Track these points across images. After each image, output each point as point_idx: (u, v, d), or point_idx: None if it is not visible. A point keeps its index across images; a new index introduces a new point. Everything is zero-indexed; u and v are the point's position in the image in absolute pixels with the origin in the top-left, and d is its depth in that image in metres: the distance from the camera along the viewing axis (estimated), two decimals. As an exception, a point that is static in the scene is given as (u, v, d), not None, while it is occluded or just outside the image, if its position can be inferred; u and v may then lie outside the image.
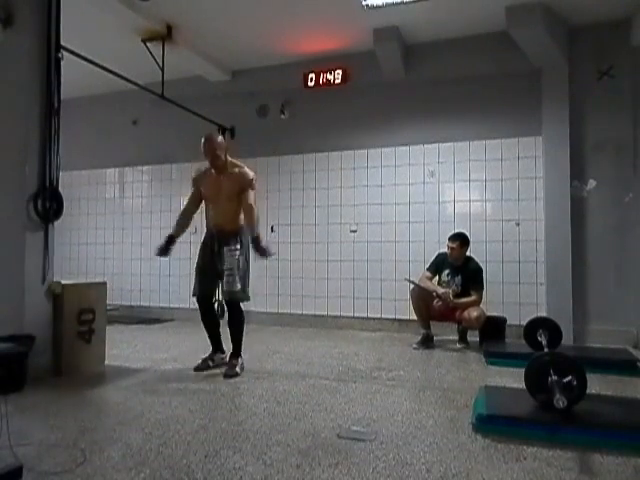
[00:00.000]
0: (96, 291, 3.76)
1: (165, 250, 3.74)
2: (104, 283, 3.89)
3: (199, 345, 4.51)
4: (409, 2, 4.42)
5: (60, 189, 3.54)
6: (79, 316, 3.54)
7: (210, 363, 3.65)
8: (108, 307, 4.01)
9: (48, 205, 3.44)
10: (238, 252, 3.53)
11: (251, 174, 3.61)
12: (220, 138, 3.71)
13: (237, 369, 3.52)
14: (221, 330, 3.79)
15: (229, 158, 3.67)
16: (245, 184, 3.56)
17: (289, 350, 4.36)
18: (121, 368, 3.66)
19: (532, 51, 4.75)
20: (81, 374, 3.43)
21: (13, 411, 2.54)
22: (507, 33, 4.69)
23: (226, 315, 3.70)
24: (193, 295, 3.69)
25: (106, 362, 3.74)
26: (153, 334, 5.18)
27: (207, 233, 3.72)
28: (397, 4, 4.45)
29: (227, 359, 3.65)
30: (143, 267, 6.52)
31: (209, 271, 3.60)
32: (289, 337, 5.03)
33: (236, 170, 3.62)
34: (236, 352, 3.63)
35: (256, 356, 3.97)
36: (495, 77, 5.09)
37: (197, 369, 3.58)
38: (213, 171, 3.66)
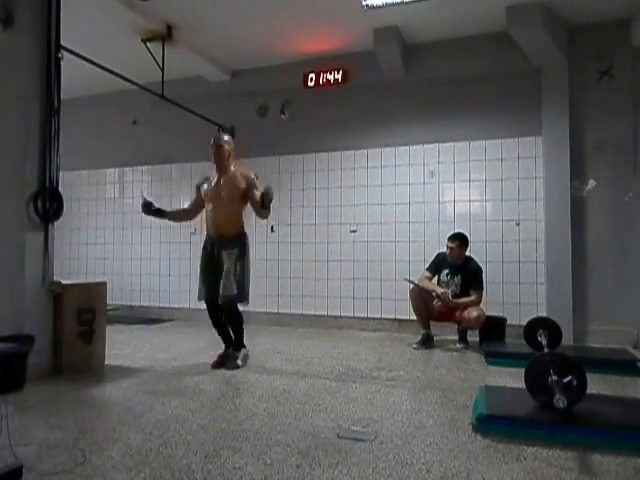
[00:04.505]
0: (96, 291, 3.76)
1: (149, 210, 3.70)
2: (104, 283, 3.89)
3: (199, 345, 4.52)
4: (409, 2, 4.42)
5: (60, 189, 3.55)
6: (79, 316, 3.54)
7: (227, 360, 3.66)
8: (108, 307, 4.01)
9: (48, 205, 3.44)
10: (235, 256, 3.55)
11: (253, 174, 3.67)
12: (228, 137, 3.76)
13: (239, 361, 3.60)
14: None
15: (233, 163, 3.71)
16: (250, 184, 3.61)
17: (289, 350, 4.36)
18: (121, 368, 3.66)
19: (532, 51, 4.75)
20: (81, 374, 3.43)
21: (13, 411, 2.54)
22: (507, 33, 4.68)
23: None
24: (199, 300, 3.72)
25: (106, 362, 3.74)
26: (153, 334, 5.17)
27: (206, 237, 3.75)
28: (397, 4, 4.45)
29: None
30: (143, 267, 6.52)
31: (210, 275, 3.62)
32: (289, 337, 5.03)
33: (238, 173, 3.67)
34: (238, 345, 3.69)
35: (256, 356, 3.97)
36: (495, 77, 5.09)
37: (214, 366, 3.60)
38: (215, 175, 3.71)
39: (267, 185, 3.48)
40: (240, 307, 3.63)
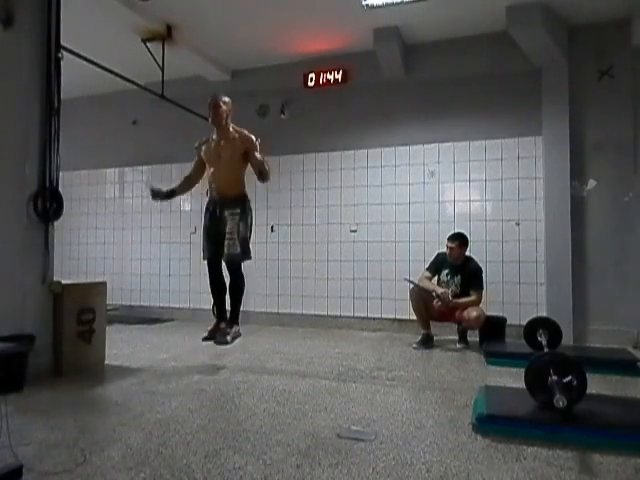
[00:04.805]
0: (96, 291, 3.76)
1: (159, 196, 3.81)
2: (104, 283, 3.89)
3: (199, 345, 4.51)
4: (409, 2, 4.42)
5: (60, 189, 3.54)
6: (79, 316, 3.54)
7: (217, 334, 3.70)
8: (108, 307, 4.01)
9: (48, 205, 3.43)
10: (238, 216, 3.60)
11: (253, 137, 3.67)
12: (226, 98, 3.77)
13: (228, 337, 3.62)
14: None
15: (232, 124, 3.72)
16: (250, 145, 3.63)
17: (289, 350, 4.36)
18: (121, 368, 3.66)
19: (532, 51, 4.75)
20: (81, 374, 3.42)
21: (13, 411, 2.54)
22: (507, 33, 4.69)
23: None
24: (203, 259, 3.78)
25: (106, 362, 3.74)
26: (153, 334, 5.17)
27: (209, 199, 3.79)
28: (397, 4, 4.45)
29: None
30: (143, 267, 6.52)
31: (214, 235, 3.67)
32: (289, 337, 5.03)
33: (237, 135, 3.69)
34: (233, 318, 3.73)
35: (256, 356, 3.97)
36: (495, 77, 5.09)
37: (205, 339, 3.66)
38: (214, 137, 3.72)
39: (261, 159, 3.52)
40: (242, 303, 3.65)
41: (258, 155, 3.60)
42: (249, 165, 3.69)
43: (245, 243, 3.64)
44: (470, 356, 4.19)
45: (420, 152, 5.37)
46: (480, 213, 5.12)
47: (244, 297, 3.88)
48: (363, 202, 5.57)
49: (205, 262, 3.79)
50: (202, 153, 3.78)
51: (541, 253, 4.88)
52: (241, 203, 3.66)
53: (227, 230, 3.57)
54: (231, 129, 3.70)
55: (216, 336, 3.62)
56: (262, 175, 3.56)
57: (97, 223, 6.86)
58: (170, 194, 3.88)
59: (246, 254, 3.66)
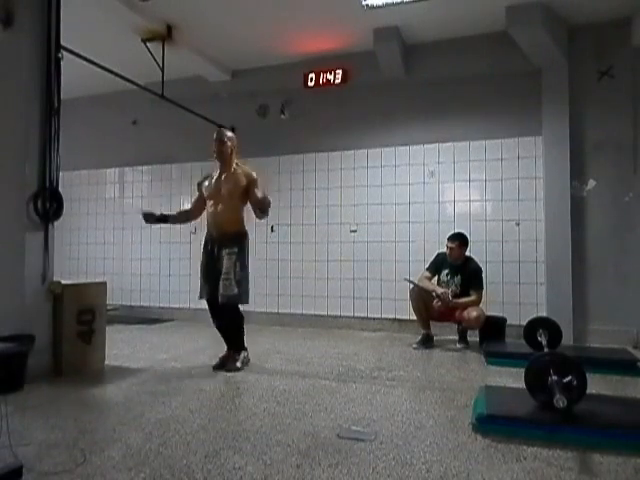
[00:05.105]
0: (96, 291, 3.76)
1: (151, 219, 3.76)
2: (104, 283, 3.89)
3: (199, 345, 4.52)
4: (409, 2, 4.42)
5: (60, 189, 3.54)
6: (79, 316, 3.54)
7: (227, 361, 3.63)
8: (108, 307, 4.01)
9: (48, 205, 3.43)
10: (235, 256, 3.52)
11: (254, 174, 3.64)
12: (231, 134, 3.76)
13: (238, 364, 3.56)
14: None
15: (236, 161, 3.70)
16: (251, 182, 3.59)
17: (289, 350, 4.36)
18: (121, 368, 3.66)
19: (532, 51, 4.75)
20: (81, 374, 3.43)
21: (13, 411, 2.54)
22: (507, 33, 4.68)
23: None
24: (199, 299, 3.69)
25: (106, 362, 3.74)
26: (153, 334, 5.17)
27: (207, 235, 3.73)
28: (397, 4, 4.45)
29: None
30: (143, 267, 6.53)
31: (210, 273, 3.60)
32: (289, 337, 5.03)
33: (239, 170, 3.65)
34: (237, 347, 3.66)
35: (256, 356, 3.97)
36: (495, 77, 5.09)
37: (215, 368, 3.57)
38: (217, 172, 3.70)
39: (262, 196, 3.48)
40: (240, 307, 3.62)
41: (259, 193, 3.52)
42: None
43: (243, 284, 3.53)
44: (470, 356, 4.19)
45: (420, 152, 5.37)
46: (480, 213, 5.12)
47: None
48: (363, 202, 5.57)
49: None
50: (204, 189, 3.73)
51: (541, 253, 4.88)
52: (239, 242, 3.57)
53: (224, 270, 3.48)
54: (234, 165, 3.67)
55: (227, 364, 3.57)
56: (262, 212, 3.51)
57: (97, 223, 6.86)
58: (163, 219, 3.79)
59: (243, 295, 3.55)
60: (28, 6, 3.42)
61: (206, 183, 3.73)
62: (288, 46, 5.44)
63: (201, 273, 3.70)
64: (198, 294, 3.70)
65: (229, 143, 3.65)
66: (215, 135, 3.68)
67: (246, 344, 3.74)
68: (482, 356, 4.06)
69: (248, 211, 3.70)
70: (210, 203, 3.67)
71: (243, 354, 3.66)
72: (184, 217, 3.98)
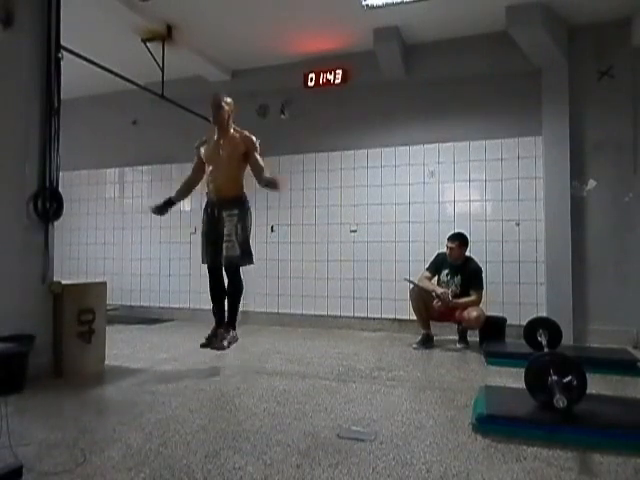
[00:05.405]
0: (96, 291, 3.75)
1: (162, 210, 3.81)
2: (104, 283, 3.89)
3: (199, 345, 4.51)
4: (409, 2, 4.42)
5: (60, 189, 3.54)
6: (79, 316, 3.54)
7: (214, 339, 3.64)
8: (108, 307, 4.01)
9: (48, 205, 3.43)
10: (236, 217, 3.51)
11: (254, 137, 3.64)
12: (229, 98, 3.73)
13: (225, 342, 3.55)
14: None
15: (233, 124, 3.69)
16: (250, 146, 3.60)
17: (289, 350, 4.36)
18: (121, 368, 3.66)
19: (532, 51, 4.75)
20: (81, 374, 3.43)
21: (13, 411, 2.54)
22: (507, 33, 4.68)
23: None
24: (202, 263, 3.70)
25: (106, 362, 3.73)
26: (153, 334, 5.17)
27: (207, 200, 3.72)
28: (397, 4, 4.45)
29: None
30: (143, 267, 6.52)
31: (212, 238, 3.59)
32: (289, 337, 5.03)
33: (238, 135, 3.65)
34: (230, 322, 3.65)
35: (256, 356, 3.97)
36: (495, 77, 5.09)
37: (203, 346, 3.59)
38: (215, 136, 3.68)
39: (261, 165, 3.52)
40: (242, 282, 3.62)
41: (258, 157, 3.57)
42: (248, 167, 3.66)
43: (245, 245, 3.54)
44: (470, 356, 4.19)
45: (420, 152, 5.37)
46: (480, 213, 5.12)
47: (243, 298, 3.86)
48: (363, 202, 5.57)
49: (205, 265, 3.74)
50: (202, 153, 3.75)
51: (541, 253, 4.88)
52: (239, 204, 3.58)
53: (225, 232, 3.49)
54: (232, 129, 3.68)
55: (213, 342, 3.57)
56: (262, 179, 3.53)
57: (97, 223, 6.86)
58: (168, 203, 3.81)
59: (247, 257, 3.56)
60: (28, 6, 3.42)
61: (204, 147, 3.72)
62: (288, 46, 5.44)
63: (202, 238, 3.70)
64: (200, 259, 3.71)
65: (226, 107, 3.63)
66: (212, 100, 3.65)
67: (242, 343, 3.72)
68: (482, 356, 4.06)
69: (248, 177, 3.70)
70: (209, 168, 3.67)
71: (232, 333, 3.63)
72: (185, 190, 3.92)
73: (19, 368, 2.99)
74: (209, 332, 3.71)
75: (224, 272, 3.62)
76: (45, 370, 3.31)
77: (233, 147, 3.59)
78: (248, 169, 3.68)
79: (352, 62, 5.45)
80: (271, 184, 3.50)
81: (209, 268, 3.67)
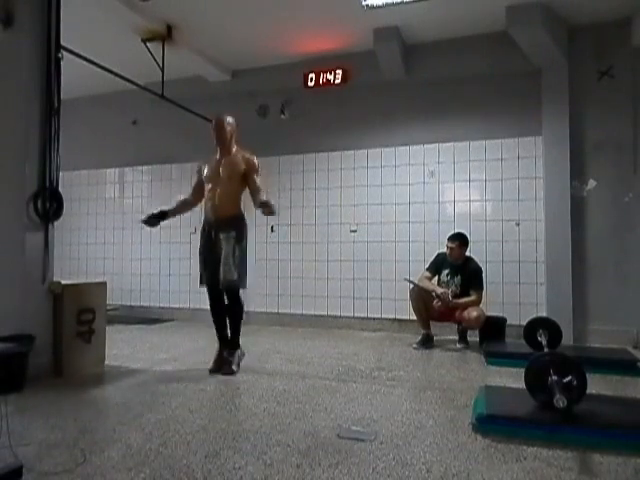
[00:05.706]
0: (96, 291, 3.75)
1: (154, 222, 3.75)
2: (104, 283, 3.89)
3: (199, 345, 4.52)
4: (409, 2, 4.42)
5: (60, 189, 3.54)
6: (79, 316, 3.54)
7: (223, 365, 3.56)
8: (108, 307, 4.01)
9: (48, 205, 3.43)
10: (234, 240, 3.48)
11: (256, 160, 3.63)
12: (230, 119, 3.72)
13: (234, 367, 3.52)
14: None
15: (236, 146, 3.68)
16: (251, 167, 3.58)
17: (289, 350, 4.36)
18: (121, 368, 3.66)
19: (532, 51, 4.75)
20: (81, 374, 3.43)
21: (13, 411, 2.54)
22: (507, 33, 4.68)
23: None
24: (200, 284, 3.67)
25: (106, 362, 3.73)
26: (153, 334, 5.17)
27: (204, 220, 3.69)
28: (397, 4, 4.45)
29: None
30: (143, 267, 6.53)
31: (209, 258, 3.57)
32: (289, 337, 5.03)
33: (240, 155, 3.64)
34: (233, 343, 3.62)
35: (256, 356, 3.97)
36: (495, 77, 5.09)
37: (212, 372, 3.51)
38: (217, 156, 3.67)
39: (269, 202, 3.39)
40: (241, 296, 3.58)
41: (257, 179, 3.53)
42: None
43: (241, 268, 3.50)
44: (470, 356, 4.19)
45: (420, 152, 5.37)
46: (480, 213, 5.12)
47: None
48: (363, 202, 5.57)
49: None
50: (203, 174, 3.71)
51: (541, 253, 4.88)
52: (237, 225, 3.54)
53: (223, 255, 3.45)
54: (234, 149, 3.67)
55: (223, 368, 3.51)
56: (259, 202, 3.43)
57: (97, 223, 6.86)
58: (161, 215, 3.75)
59: (243, 281, 3.53)
60: (28, 6, 3.42)
61: (206, 167, 3.71)
62: (288, 46, 5.44)
63: (200, 259, 3.68)
64: (199, 280, 3.67)
65: (228, 128, 3.64)
66: (214, 122, 3.66)
67: (244, 343, 3.69)
68: (482, 356, 4.06)
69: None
70: (209, 187, 3.64)
71: (237, 353, 3.61)
72: (181, 207, 3.91)
73: (19, 368, 2.99)
74: (215, 356, 3.63)
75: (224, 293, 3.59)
76: (45, 370, 3.31)
77: (233, 167, 3.58)
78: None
79: (352, 62, 5.45)
80: (265, 206, 3.36)
81: (208, 287, 3.63)
